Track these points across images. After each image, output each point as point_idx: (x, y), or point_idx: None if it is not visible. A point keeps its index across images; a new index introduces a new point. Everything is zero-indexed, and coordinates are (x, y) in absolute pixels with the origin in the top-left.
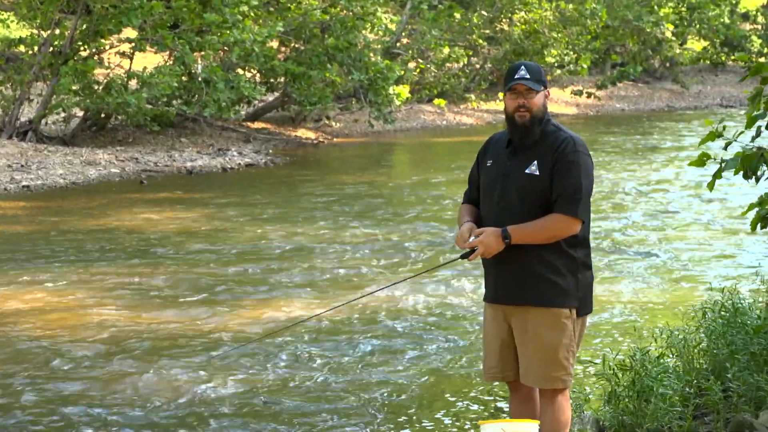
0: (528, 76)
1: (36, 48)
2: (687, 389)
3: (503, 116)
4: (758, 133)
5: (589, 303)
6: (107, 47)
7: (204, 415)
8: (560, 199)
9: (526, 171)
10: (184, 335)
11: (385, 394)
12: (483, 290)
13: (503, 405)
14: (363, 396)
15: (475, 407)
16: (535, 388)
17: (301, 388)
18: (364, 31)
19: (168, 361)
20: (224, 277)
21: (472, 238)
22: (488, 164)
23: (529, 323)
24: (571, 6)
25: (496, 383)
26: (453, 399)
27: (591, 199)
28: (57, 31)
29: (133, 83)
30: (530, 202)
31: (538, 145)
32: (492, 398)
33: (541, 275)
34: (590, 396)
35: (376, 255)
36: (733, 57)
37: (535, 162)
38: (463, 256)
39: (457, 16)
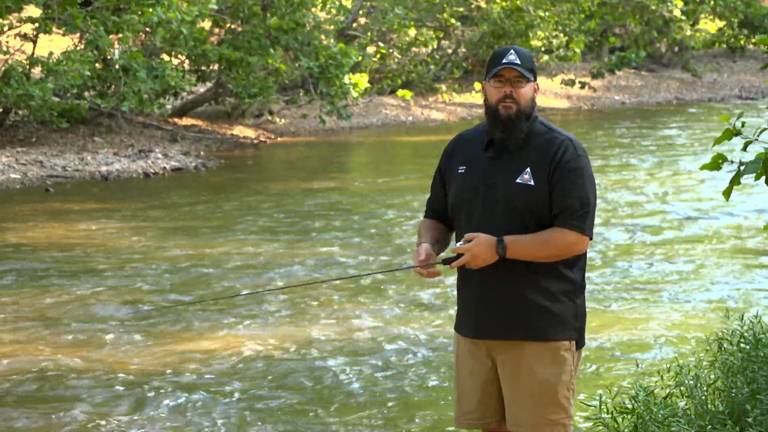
0: (518, 62)
1: None
2: None
3: (480, 111)
4: None
5: (584, 333)
6: (5, 28)
7: None
8: (565, 213)
9: (518, 180)
10: (89, 368)
11: None
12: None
13: None
14: None
15: None
16: None
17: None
18: (313, 9)
19: (69, 393)
20: (142, 301)
21: (460, 243)
22: (460, 171)
23: (522, 361)
24: None
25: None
26: None
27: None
28: None
29: (36, 71)
30: (524, 218)
31: (527, 148)
32: None
33: (535, 303)
34: None
35: (325, 273)
36: (753, 40)
37: (528, 169)
38: (445, 261)
39: None
